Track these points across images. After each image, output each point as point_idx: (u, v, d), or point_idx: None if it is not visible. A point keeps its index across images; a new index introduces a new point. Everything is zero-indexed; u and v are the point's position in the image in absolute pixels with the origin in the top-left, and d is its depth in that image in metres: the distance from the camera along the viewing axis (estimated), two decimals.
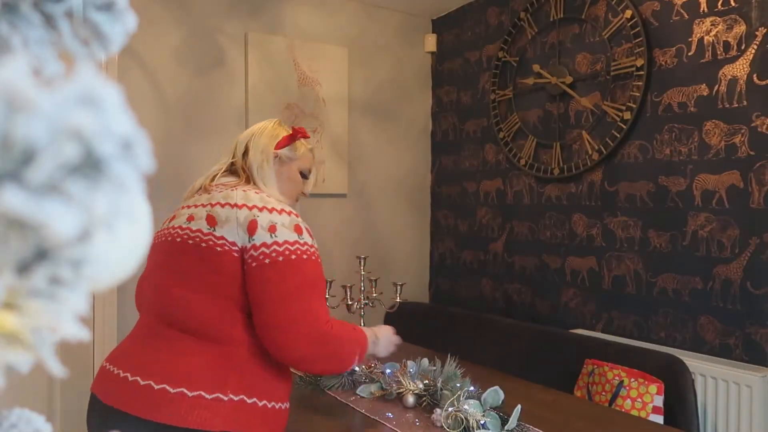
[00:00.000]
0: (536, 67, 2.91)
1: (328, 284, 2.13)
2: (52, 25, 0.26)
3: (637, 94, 2.47)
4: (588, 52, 2.73)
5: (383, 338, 1.51)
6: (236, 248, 1.21)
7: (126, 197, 0.22)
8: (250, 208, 1.24)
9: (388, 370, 1.75)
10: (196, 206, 1.31)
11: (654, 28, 2.45)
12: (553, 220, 2.90)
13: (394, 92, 3.55)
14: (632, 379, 2.05)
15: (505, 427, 1.40)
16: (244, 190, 1.29)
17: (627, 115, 2.51)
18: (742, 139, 2.15)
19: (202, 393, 1.16)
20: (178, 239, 1.27)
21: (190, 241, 1.25)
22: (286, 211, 1.27)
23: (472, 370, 1.73)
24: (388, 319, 2.99)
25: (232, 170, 1.42)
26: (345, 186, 3.35)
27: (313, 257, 1.26)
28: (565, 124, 2.83)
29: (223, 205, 1.26)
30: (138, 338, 1.30)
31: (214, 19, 2.92)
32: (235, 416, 1.18)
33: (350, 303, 2.07)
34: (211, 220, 1.25)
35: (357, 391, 1.72)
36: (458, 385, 1.55)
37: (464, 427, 1.41)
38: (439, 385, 1.58)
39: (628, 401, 2.02)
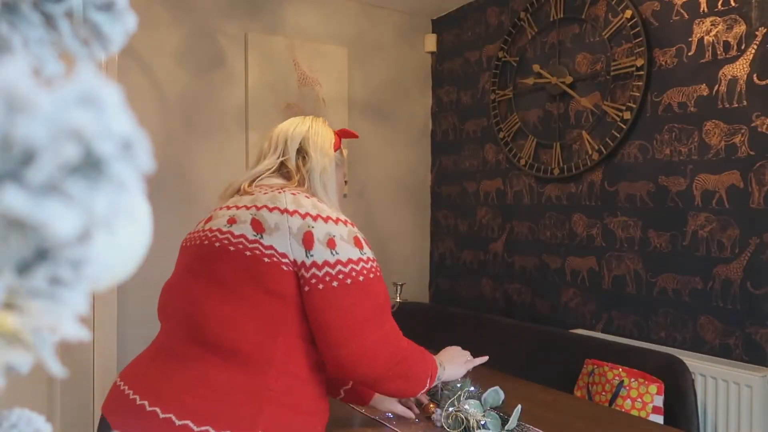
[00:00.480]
0: (536, 67, 2.91)
1: None
2: (52, 25, 0.26)
3: (637, 94, 2.47)
4: (588, 52, 2.73)
5: (448, 363, 1.39)
6: (287, 261, 1.08)
7: (126, 197, 0.22)
8: (303, 216, 1.11)
9: None
10: (238, 207, 1.17)
11: (654, 28, 2.45)
12: (553, 220, 2.90)
13: (394, 92, 3.55)
14: (632, 379, 2.05)
15: (506, 427, 1.40)
16: (293, 194, 1.15)
17: (627, 115, 2.51)
18: (742, 139, 2.15)
19: (210, 429, 1.01)
20: (217, 244, 1.13)
21: (231, 248, 1.10)
22: (341, 221, 1.15)
23: (472, 370, 1.73)
24: None
25: (280, 172, 1.27)
26: (345, 186, 3.34)
27: (378, 273, 1.16)
28: (565, 124, 2.83)
29: (271, 209, 1.12)
30: (158, 354, 1.15)
31: (214, 19, 2.92)
32: None
33: None
34: (258, 226, 1.11)
35: None
36: (458, 385, 1.54)
37: (464, 427, 1.41)
38: (439, 385, 1.58)
39: (628, 401, 2.02)
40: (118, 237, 0.23)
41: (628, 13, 2.51)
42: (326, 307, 1.07)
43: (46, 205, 0.20)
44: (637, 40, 2.48)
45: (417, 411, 1.54)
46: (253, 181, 1.24)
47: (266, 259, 1.08)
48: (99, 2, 0.26)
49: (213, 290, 1.10)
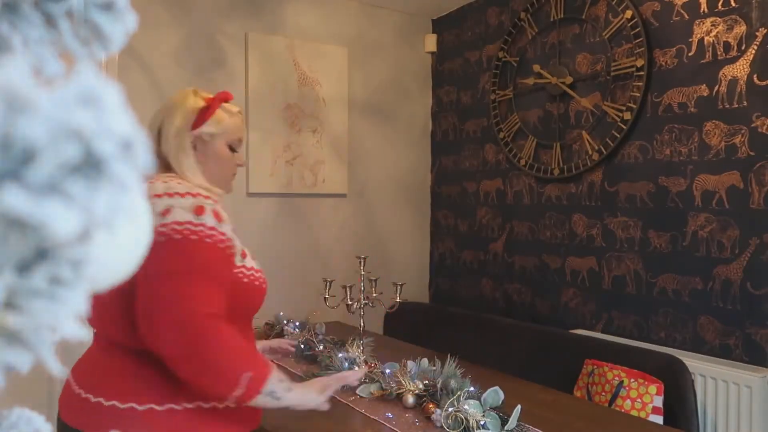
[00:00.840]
0: (536, 68, 2.91)
1: (328, 284, 2.13)
2: (53, 25, 0.26)
3: (638, 95, 2.47)
4: (588, 52, 2.73)
5: (301, 386, 1.15)
6: None
7: (126, 197, 0.22)
8: (156, 197, 1.08)
9: (387, 370, 1.75)
10: None
11: (654, 29, 2.45)
12: (553, 220, 2.90)
13: (394, 92, 3.55)
14: (632, 380, 2.05)
15: (505, 428, 1.40)
16: (164, 182, 1.12)
17: (627, 116, 2.51)
18: (742, 139, 2.15)
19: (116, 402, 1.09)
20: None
21: None
22: (192, 194, 1.10)
23: (472, 370, 1.73)
24: (388, 319, 2.99)
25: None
26: (345, 186, 3.34)
27: (207, 240, 1.06)
28: (565, 124, 2.83)
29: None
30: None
31: (214, 19, 2.92)
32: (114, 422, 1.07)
33: (350, 303, 2.07)
34: None
35: (357, 391, 1.72)
36: (458, 385, 1.54)
37: (464, 428, 1.41)
38: (439, 385, 1.58)
39: (628, 401, 2.02)
40: (118, 237, 0.23)
41: (629, 14, 2.51)
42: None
43: (46, 205, 0.20)
44: (638, 40, 2.48)
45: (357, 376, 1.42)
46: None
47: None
48: (99, 2, 0.26)
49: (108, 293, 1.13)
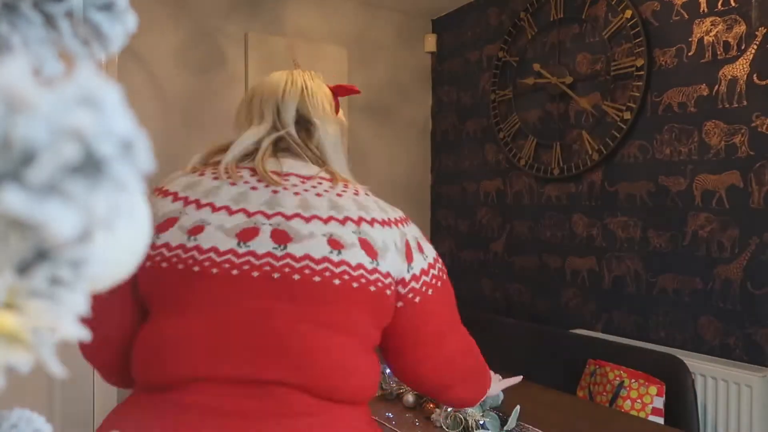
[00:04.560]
0: (537, 66, 2.91)
1: None
2: (52, 25, 0.26)
3: (637, 94, 2.47)
4: (588, 52, 2.73)
5: (495, 379, 1.22)
6: (391, 281, 0.88)
7: (126, 197, 0.22)
8: (395, 223, 0.91)
9: (388, 370, 1.75)
10: (325, 221, 0.85)
11: (654, 28, 2.45)
12: (553, 220, 2.90)
13: (394, 92, 3.55)
14: (633, 380, 2.05)
15: (505, 428, 1.40)
16: (366, 194, 0.94)
17: (627, 115, 2.51)
18: (742, 139, 2.15)
19: None
20: (336, 281, 0.83)
21: (355, 284, 0.83)
22: (404, 217, 0.96)
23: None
24: None
25: (281, 148, 0.95)
26: None
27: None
28: (565, 124, 2.83)
29: (370, 223, 0.88)
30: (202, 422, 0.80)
31: (214, 19, 2.92)
32: None
33: None
34: (370, 249, 0.86)
35: None
36: None
37: (463, 427, 1.41)
38: None
39: (628, 402, 2.02)
40: (118, 237, 0.23)
41: (628, 13, 2.51)
42: (423, 320, 0.92)
43: (46, 205, 0.20)
44: (637, 40, 2.48)
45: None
46: (242, 159, 0.94)
47: (389, 292, 0.87)
48: (99, 2, 0.26)
49: (331, 337, 0.83)
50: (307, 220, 0.85)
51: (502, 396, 1.48)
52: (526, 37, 3.02)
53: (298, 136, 0.95)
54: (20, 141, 0.19)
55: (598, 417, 1.64)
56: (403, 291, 0.89)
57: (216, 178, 0.89)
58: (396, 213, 0.94)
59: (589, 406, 1.84)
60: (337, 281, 0.82)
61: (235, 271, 0.82)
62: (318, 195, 0.89)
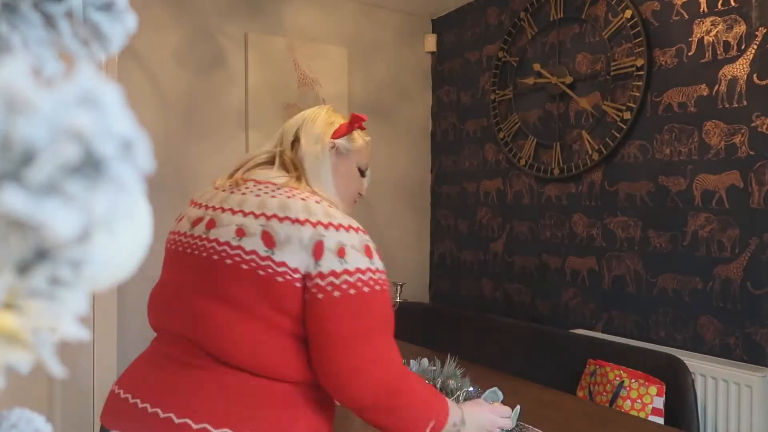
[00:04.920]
0: (537, 66, 2.91)
1: None
2: (52, 25, 0.26)
3: (637, 94, 2.47)
4: (588, 52, 2.73)
5: (473, 423, 1.14)
6: (299, 275, 1.01)
7: (126, 197, 0.22)
8: (314, 225, 1.02)
9: None
10: (245, 214, 1.06)
11: (654, 28, 2.45)
12: (553, 220, 2.90)
13: (394, 92, 3.55)
14: (633, 380, 2.05)
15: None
16: (303, 198, 1.07)
17: (627, 115, 2.51)
18: (742, 139, 2.15)
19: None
20: (228, 261, 1.03)
21: (245, 266, 1.02)
22: (353, 228, 1.06)
23: (472, 370, 1.73)
24: None
25: (277, 162, 1.19)
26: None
27: (386, 287, 1.05)
28: (565, 124, 2.83)
29: (281, 219, 1.03)
30: (159, 361, 1.09)
31: (214, 19, 2.92)
32: None
33: None
34: (269, 240, 1.02)
35: None
36: (457, 385, 1.54)
37: None
38: (438, 385, 1.58)
39: (628, 402, 2.02)
40: (118, 237, 0.23)
41: (628, 13, 2.51)
42: (325, 318, 1.00)
43: (46, 205, 0.20)
44: (637, 40, 2.48)
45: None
46: (248, 168, 1.18)
47: (279, 279, 1.00)
48: (99, 2, 0.26)
49: (223, 310, 1.02)
50: (234, 213, 1.08)
51: (501, 396, 1.48)
52: (526, 37, 3.02)
53: (289, 152, 1.20)
54: (20, 141, 0.19)
55: (598, 417, 1.64)
56: (308, 284, 1.01)
57: (217, 188, 1.18)
58: (338, 219, 1.05)
59: (589, 406, 1.84)
60: (228, 261, 1.03)
61: (180, 249, 1.13)
62: (257, 195, 1.09)
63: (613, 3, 2.59)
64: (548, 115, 2.92)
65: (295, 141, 1.20)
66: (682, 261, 2.35)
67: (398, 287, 2.07)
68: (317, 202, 1.08)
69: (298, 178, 1.15)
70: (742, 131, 2.15)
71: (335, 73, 3.28)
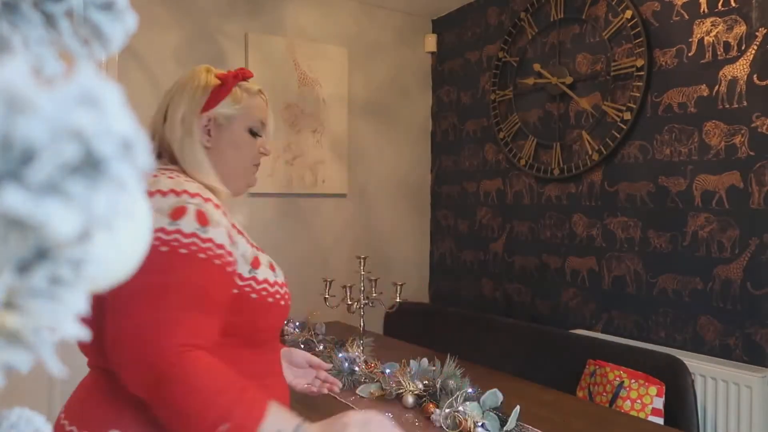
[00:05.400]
0: (537, 66, 2.91)
1: (328, 284, 2.13)
2: (53, 24, 0.26)
3: (638, 95, 2.47)
4: (588, 52, 2.73)
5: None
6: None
7: (126, 197, 0.22)
8: (164, 194, 0.90)
9: (387, 370, 1.75)
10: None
11: (654, 29, 2.45)
12: (553, 220, 2.90)
13: (394, 92, 3.55)
14: (632, 380, 2.05)
15: (504, 428, 1.40)
16: (155, 176, 0.93)
17: (627, 116, 2.51)
18: (742, 139, 2.15)
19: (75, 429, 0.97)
20: None
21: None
22: (176, 191, 0.90)
23: (472, 370, 1.73)
24: (388, 319, 2.99)
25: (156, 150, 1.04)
26: (345, 186, 3.35)
27: (200, 256, 0.86)
28: (565, 124, 2.83)
29: (149, 195, 0.91)
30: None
31: (214, 19, 2.92)
32: None
33: (350, 303, 2.07)
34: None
35: (357, 391, 1.72)
36: (457, 385, 1.54)
37: (463, 428, 1.41)
38: (438, 385, 1.58)
39: (628, 402, 2.02)
40: (118, 237, 0.23)
41: (629, 14, 2.51)
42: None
43: (46, 205, 0.20)
44: (638, 40, 2.48)
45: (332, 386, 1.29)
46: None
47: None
48: (99, 2, 0.26)
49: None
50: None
51: (501, 398, 1.48)
52: (526, 37, 3.02)
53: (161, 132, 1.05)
54: (20, 141, 0.19)
55: (597, 417, 1.64)
56: None
57: None
58: (175, 185, 0.91)
59: (589, 406, 1.84)
60: None
61: None
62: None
63: (613, 3, 2.59)
64: (548, 116, 2.92)
65: (164, 119, 1.03)
66: (682, 261, 2.34)
67: (398, 287, 2.07)
68: (170, 177, 0.94)
69: (171, 159, 1.01)
70: (742, 132, 2.15)
71: (335, 73, 3.28)
